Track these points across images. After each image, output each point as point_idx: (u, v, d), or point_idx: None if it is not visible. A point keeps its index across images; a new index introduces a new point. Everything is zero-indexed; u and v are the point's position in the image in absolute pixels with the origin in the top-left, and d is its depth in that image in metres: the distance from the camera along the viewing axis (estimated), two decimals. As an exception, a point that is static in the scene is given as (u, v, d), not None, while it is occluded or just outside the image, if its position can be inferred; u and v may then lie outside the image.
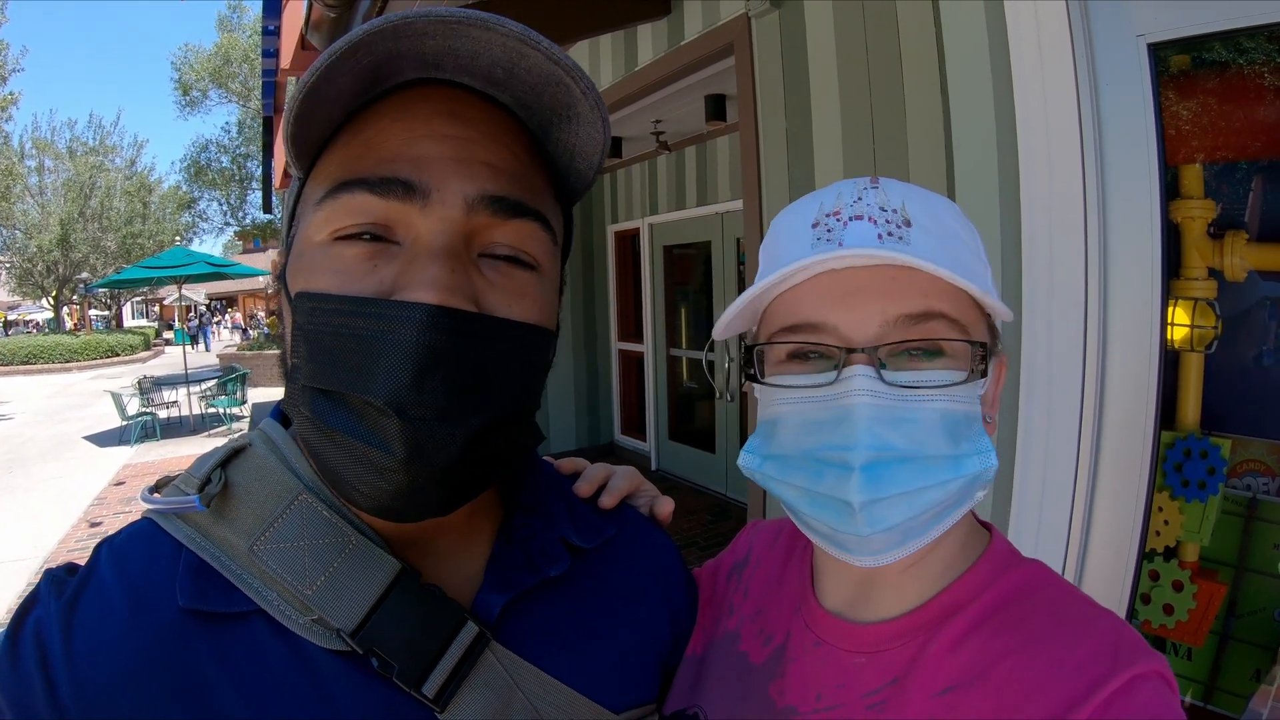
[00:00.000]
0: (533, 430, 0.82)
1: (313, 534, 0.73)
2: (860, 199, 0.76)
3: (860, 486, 0.71)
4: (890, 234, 0.73)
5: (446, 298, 0.65)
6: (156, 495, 0.77)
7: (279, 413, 0.85)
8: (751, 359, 0.83)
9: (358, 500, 0.70)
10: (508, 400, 0.73)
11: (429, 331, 0.64)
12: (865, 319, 0.72)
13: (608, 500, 1.00)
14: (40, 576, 0.74)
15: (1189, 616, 1.95)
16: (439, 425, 0.66)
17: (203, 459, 0.79)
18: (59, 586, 0.72)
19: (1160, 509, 1.98)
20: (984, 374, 0.74)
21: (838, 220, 0.76)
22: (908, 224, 0.74)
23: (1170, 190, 1.90)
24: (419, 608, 0.73)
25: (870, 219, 0.74)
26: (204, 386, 13.43)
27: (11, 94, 29.12)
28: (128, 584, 0.72)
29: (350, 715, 0.70)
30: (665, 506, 1.07)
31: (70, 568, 0.75)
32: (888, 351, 0.73)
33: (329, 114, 0.70)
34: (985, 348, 0.74)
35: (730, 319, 0.83)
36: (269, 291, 40.28)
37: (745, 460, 0.84)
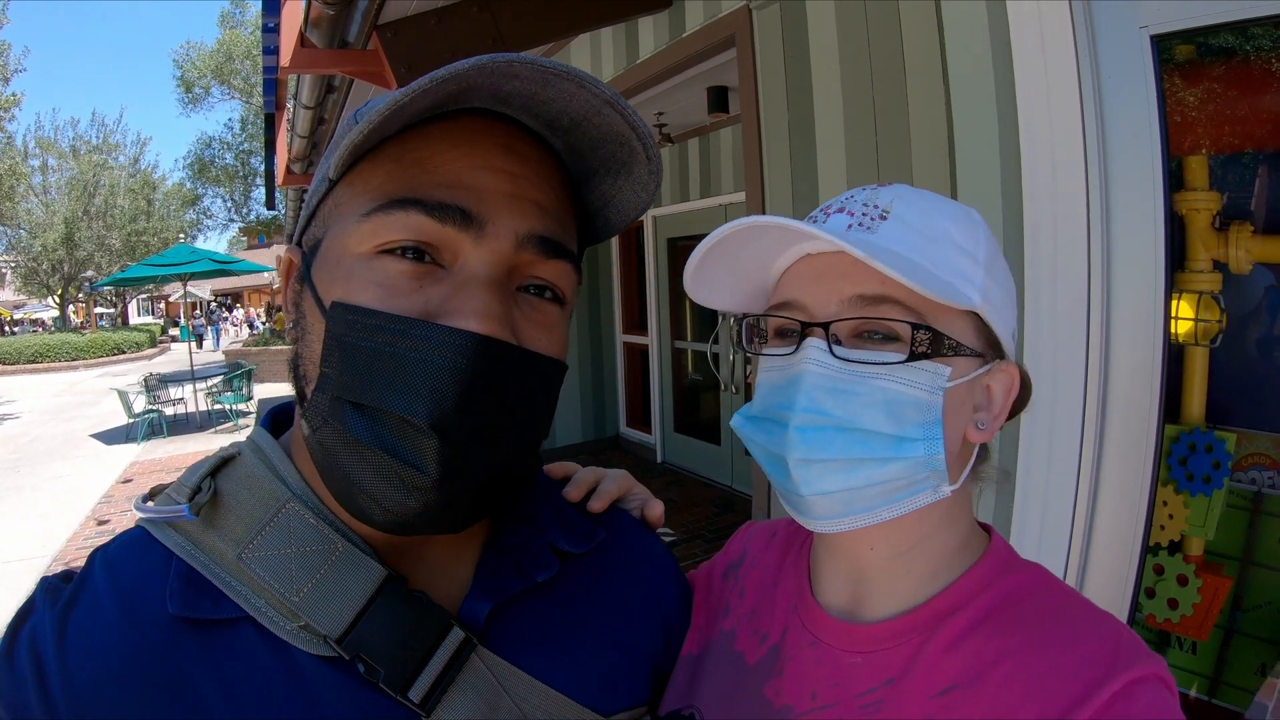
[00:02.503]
0: (538, 459, 0.85)
1: (299, 541, 0.74)
2: (853, 197, 0.83)
3: (792, 444, 0.77)
4: (860, 224, 0.79)
5: (494, 328, 0.68)
6: (149, 504, 0.78)
7: (269, 420, 0.87)
8: (741, 331, 0.90)
9: (374, 515, 0.71)
10: (531, 429, 0.76)
11: (477, 360, 0.67)
12: (826, 297, 0.78)
13: (597, 504, 1.01)
14: (36, 585, 0.75)
15: (1194, 611, 1.95)
16: (473, 450, 0.69)
17: (193, 468, 0.80)
18: (54, 595, 0.73)
19: (1165, 503, 1.97)
20: (926, 357, 0.76)
21: (824, 213, 0.83)
22: (883, 218, 0.79)
23: (1175, 182, 1.89)
24: (405, 614, 0.74)
25: (849, 212, 0.81)
26: (210, 383, 13.44)
27: (14, 94, 29.11)
28: (120, 592, 0.73)
29: None
30: (655, 509, 1.08)
31: (65, 575, 0.76)
32: (847, 330, 0.78)
33: (391, 128, 0.71)
34: (933, 333, 0.76)
35: (711, 285, 0.90)
36: (273, 288, 40.37)
37: (734, 421, 0.88)
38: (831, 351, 0.77)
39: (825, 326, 0.77)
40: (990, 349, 0.81)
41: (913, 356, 0.75)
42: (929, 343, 0.75)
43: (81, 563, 0.77)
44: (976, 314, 0.79)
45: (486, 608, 0.79)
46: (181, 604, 0.71)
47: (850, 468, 0.76)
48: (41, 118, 61.85)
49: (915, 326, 0.75)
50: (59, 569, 0.86)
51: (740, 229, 0.78)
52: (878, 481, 0.77)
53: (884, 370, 0.75)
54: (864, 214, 0.80)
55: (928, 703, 0.73)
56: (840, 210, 0.82)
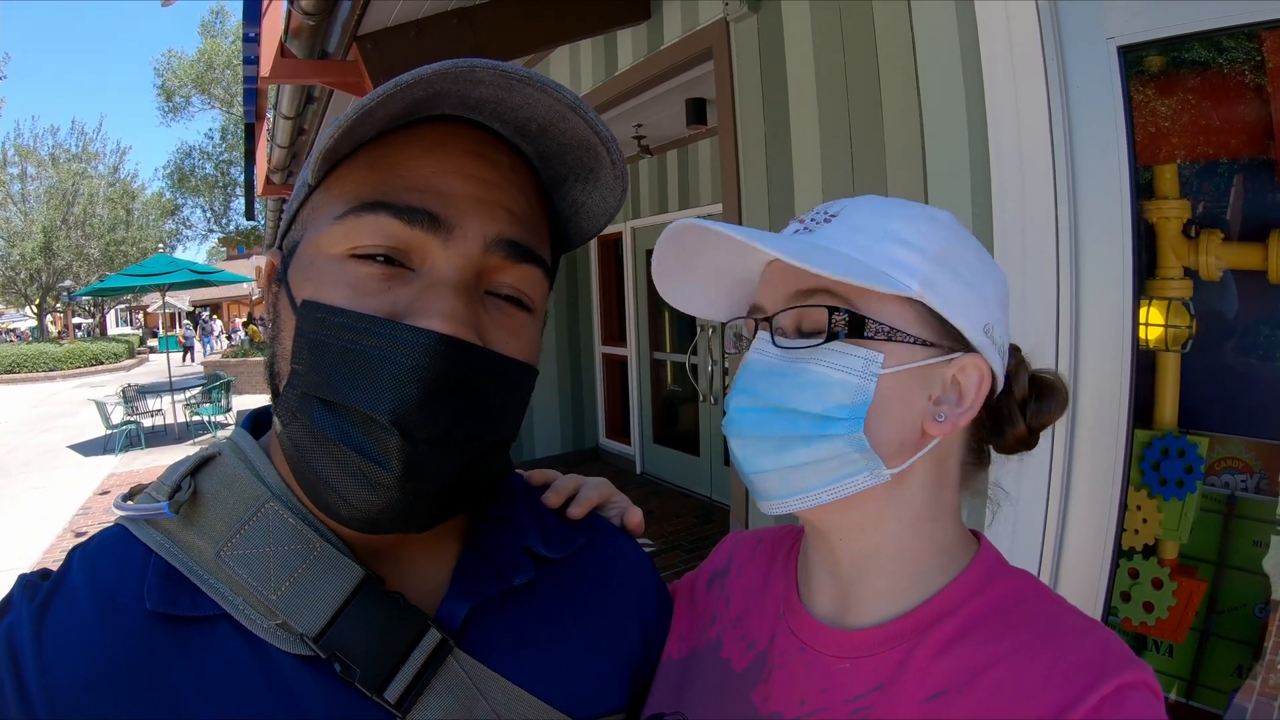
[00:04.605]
0: (508, 460, 0.85)
1: (278, 540, 0.75)
2: (815, 208, 0.88)
3: (733, 424, 0.84)
4: (805, 229, 0.86)
5: (459, 329, 0.69)
6: (130, 503, 0.78)
7: (249, 422, 0.88)
8: (723, 337, 0.94)
9: (340, 511, 0.72)
10: (498, 432, 0.76)
11: (440, 359, 0.67)
12: (773, 296, 0.85)
13: (576, 511, 1.00)
14: (14, 583, 0.75)
15: (1169, 614, 1.97)
16: (437, 448, 0.70)
17: (174, 467, 0.80)
18: (31, 591, 0.73)
19: (1139, 507, 1.99)
20: (840, 337, 0.78)
21: (787, 225, 0.90)
22: (827, 220, 0.85)
23: (1146, 191, 1.92)
24: (382, 614, 0.74)
25: (801, 220, 0.88)
26: (188, 394, 13.32)
27: (-7, 101, 28.96)
28: (98, 588, 0.72)
29: (313, 718, 0.70)
30: (635, 516, 1.08)
31: (43, 573, 0.76)
32: (791, 325, 0.83)
33: (364, 134, 0.72)
34: (852, 315, 0.78)
35: (685, 292, 0.96)
36: (252, 299, 40.16)
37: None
38: (773, 342, 0.82)
39: (770, 320, 0.83)
40: (949, 340, 0.80)
41: (830, 337, 0.78)
42: (846, 324, 0.78)
43: None
44: (924, 304, 0.78)
45: (464, 609, 0.79)
46: (159, 600, 0.71)
47: (781, 446, 0.80)
48: (21, 125, 61.45)
49: (832, 310, 0.78)
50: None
51: (677, 232, 0.85)
52: (808, 460, 0.79)
53: (808, 354, 0.79)
54: (812, 219, 0.86)
55: (917, 708, 0.74)
56: (798, 219, 0.88)
